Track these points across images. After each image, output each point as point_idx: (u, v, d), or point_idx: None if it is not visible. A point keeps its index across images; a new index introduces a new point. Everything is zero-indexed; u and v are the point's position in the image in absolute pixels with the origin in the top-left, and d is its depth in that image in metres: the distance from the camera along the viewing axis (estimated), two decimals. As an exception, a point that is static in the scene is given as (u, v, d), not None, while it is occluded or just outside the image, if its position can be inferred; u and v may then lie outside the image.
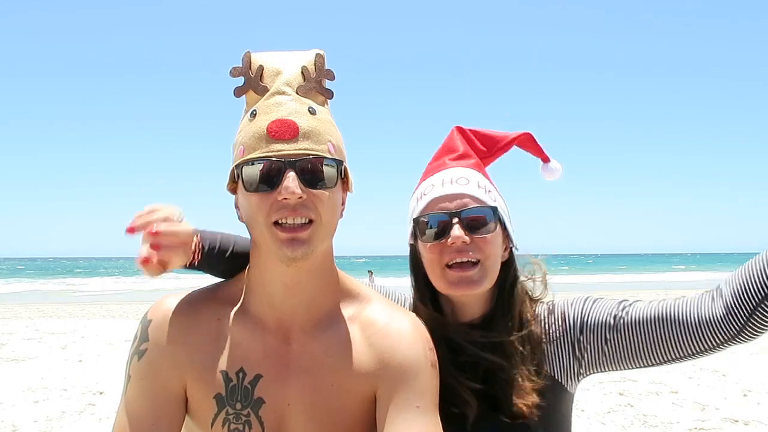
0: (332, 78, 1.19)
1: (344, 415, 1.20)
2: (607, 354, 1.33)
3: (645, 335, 1.27)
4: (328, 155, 1.12)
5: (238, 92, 1.18)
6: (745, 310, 1.17)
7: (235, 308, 1.24)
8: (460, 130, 1.49)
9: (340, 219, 1.20)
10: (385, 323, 1.24)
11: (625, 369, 1.35)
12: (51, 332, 10.51)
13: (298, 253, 1.09)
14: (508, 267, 1.42)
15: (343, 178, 1.19)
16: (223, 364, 1.19)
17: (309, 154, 1.09)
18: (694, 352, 1.25)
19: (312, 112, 1.13)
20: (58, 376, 6.99)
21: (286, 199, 1.06)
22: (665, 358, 1.29)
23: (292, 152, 1.08)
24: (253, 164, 1.10)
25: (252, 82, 1.15)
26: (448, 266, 1.32)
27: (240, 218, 1.21)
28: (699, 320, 1.21)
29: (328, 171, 1.12)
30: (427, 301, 1.40)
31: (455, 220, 1.31)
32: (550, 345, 1.37)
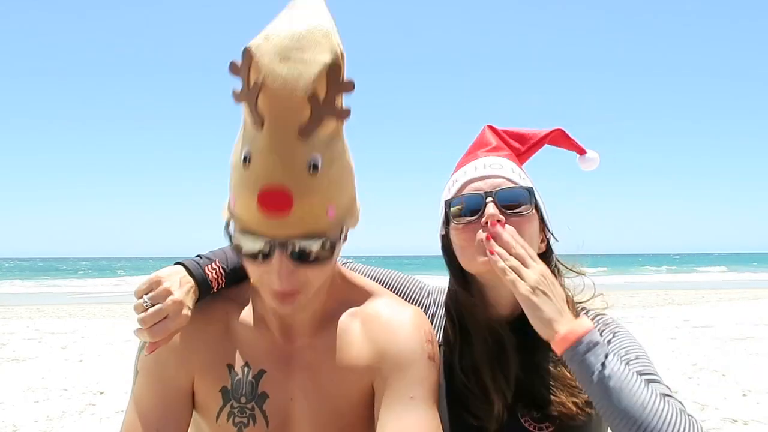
0: (352, 88, 0.99)
1: (347, 410, 1.21)
2: None
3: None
4: (322, 231, 1.03)
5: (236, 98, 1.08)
6: None
7: (243, 306, 1.27)
8: (492, 128, 1.47)
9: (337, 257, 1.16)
10: (387, 317, 1.25)
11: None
12: (51, 332, 10.50)
13: (287, 309, 1.10)
14: (545, 259, 1.34)
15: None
16: (229, 358, 1.22)
17: (301, 235, 1.00)
18: None
19: (313, 168, 0.97)
20: (58, 376, 6.98)
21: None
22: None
23: (282, 234, 1.00)
24: (245, 235, 1.02)
25: (249, 103, 0.99)
26: None
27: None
28: None
29: (321, 251, 1.04)
30: (467, 289, 1.36)
31: (489, 199, 1.26)
32: None
